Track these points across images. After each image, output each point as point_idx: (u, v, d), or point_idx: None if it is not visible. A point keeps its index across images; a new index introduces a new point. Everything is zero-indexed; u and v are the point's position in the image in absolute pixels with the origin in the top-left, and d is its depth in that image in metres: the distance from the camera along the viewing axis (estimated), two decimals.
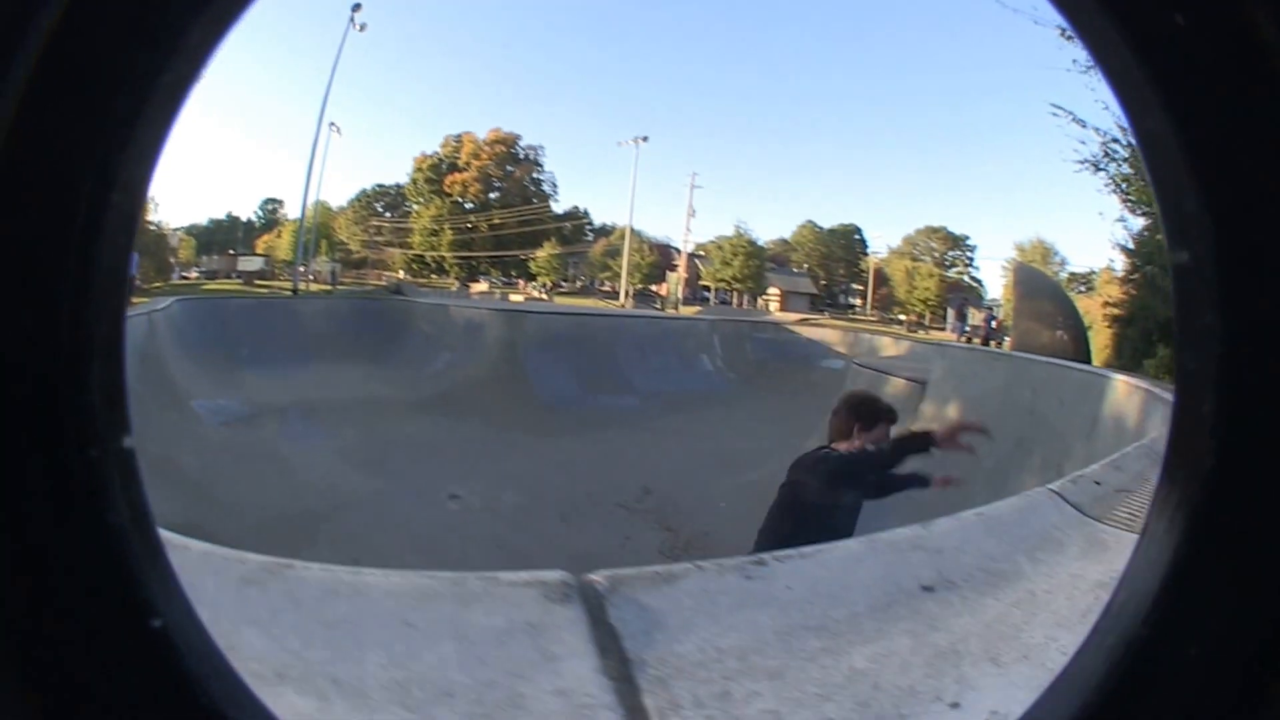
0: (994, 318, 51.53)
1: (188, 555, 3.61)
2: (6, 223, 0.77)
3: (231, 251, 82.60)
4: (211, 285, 61.66)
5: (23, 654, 0.81)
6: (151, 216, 57.16)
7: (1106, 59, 0.81)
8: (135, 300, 33.20)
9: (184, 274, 71.42)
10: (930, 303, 78.61)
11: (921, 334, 54.86)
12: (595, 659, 3.32)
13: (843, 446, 6.13)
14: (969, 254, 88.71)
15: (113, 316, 0.84)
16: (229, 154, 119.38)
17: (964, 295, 77.36)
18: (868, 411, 6.46)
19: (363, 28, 55.63)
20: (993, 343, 38.92)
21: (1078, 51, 23.41)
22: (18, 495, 0.79)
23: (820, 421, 19.17)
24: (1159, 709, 0.80)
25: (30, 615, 0.81)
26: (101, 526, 0.82)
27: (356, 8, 54.71)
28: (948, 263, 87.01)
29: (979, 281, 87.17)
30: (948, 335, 51.60)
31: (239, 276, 70.17)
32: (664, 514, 17.78)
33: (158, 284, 54.48)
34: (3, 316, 0.77)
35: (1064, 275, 67.99)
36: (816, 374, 33.35)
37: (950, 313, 66.71)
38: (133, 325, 23.30)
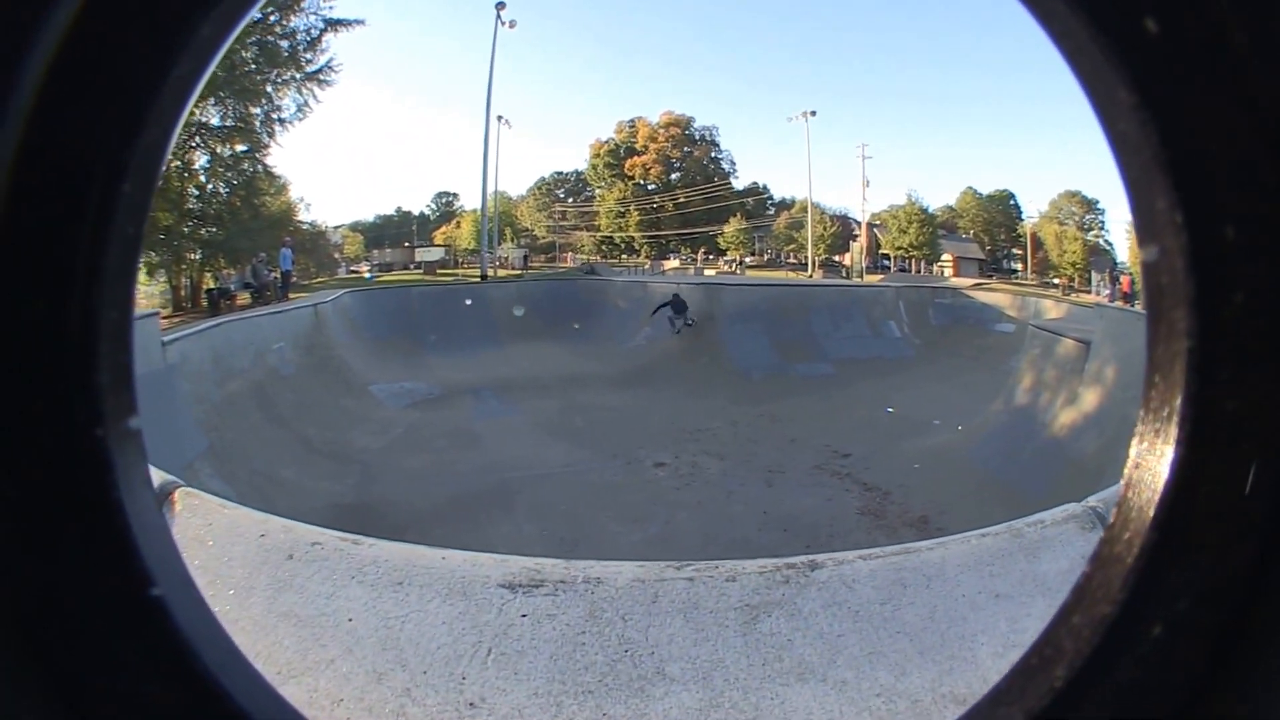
0: (1130, 280, 51.59)
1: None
2: (21, 209, 0.81)
3: (407, 244, 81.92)
4: (387, 277, 62.28)
5: (30, 620, 0.86)
6: (305, 215, 57.92)
7: (1079, 62, 0.83)
8: (293, 295, 36.53)
9: (352, 268, 70.96)
10: (1077, 266, 75.20)
11: (1075, 297, 52.58)
12: None
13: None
14: (1101, 217, 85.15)
15: (122, 302, 0.87)
16: (393, 156, 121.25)
17: (1110, 260, 75.08)
18: (676, 296, 33.08)
19: (512, 24, 56.20)
20: (1136, 304, 36.50)
21: None
22: (27, 470, 0.84)
23: (995, 384, 23.16)
24: (1126, 684, 0.83)
25: (38, 583, 0.85)
26: (105, 501, 0.86)
27: (500, 5, 55.28)
28: (1085, 226, 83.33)
29: (1110, 245, 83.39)
30: (1093, 298, 51.43)
31: (418, 267, 70.52)
32: (861, 476, 18.15)
33: (321, 279, 55.08)
34: (18, 300, 0.82)
35: None
36: (991, 338, 33.18)
37: (1094, 276, 67.12)
38: (296, 318, 25.97)
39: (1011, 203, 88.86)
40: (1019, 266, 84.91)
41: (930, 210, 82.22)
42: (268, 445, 17.55)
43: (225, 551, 4.70)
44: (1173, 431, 0.79)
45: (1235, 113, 0.75)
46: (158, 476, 5.52)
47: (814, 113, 73.63)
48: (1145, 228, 0.80)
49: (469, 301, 37.70)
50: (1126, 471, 0.85)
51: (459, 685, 3.50)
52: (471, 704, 3.39)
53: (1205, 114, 0.76)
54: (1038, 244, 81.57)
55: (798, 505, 16.18)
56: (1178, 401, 0.79)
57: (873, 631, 3.74)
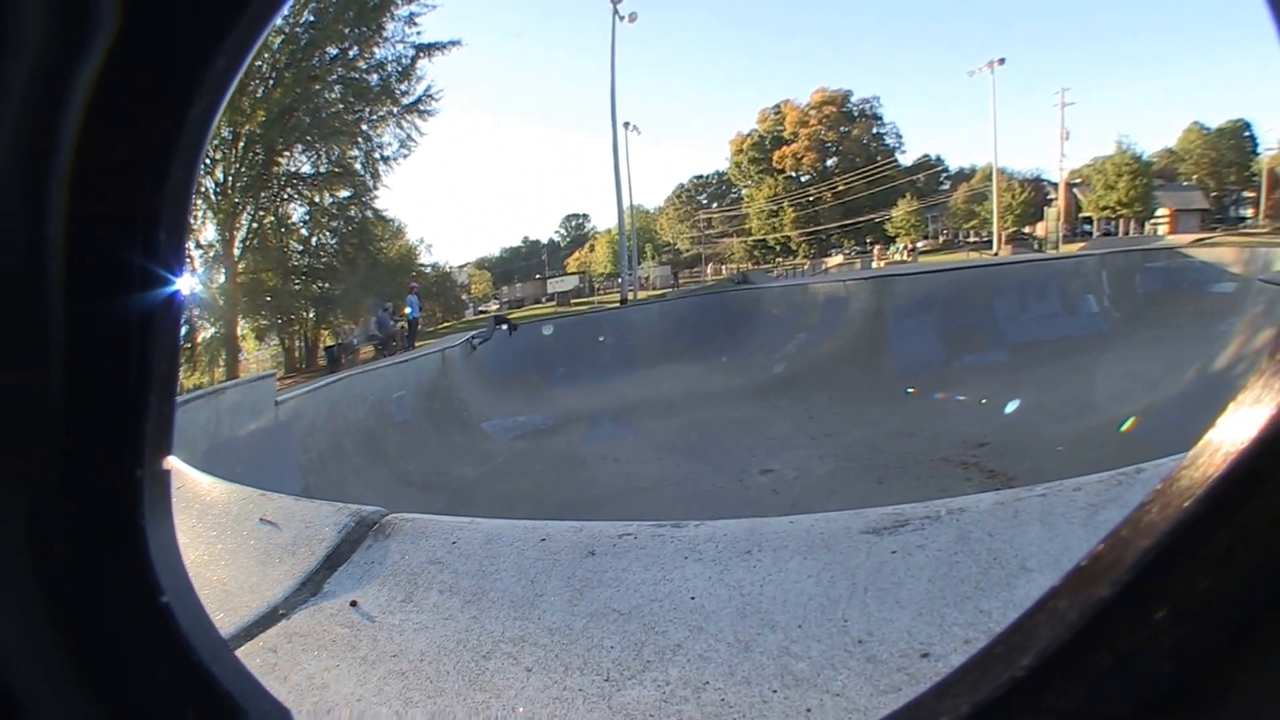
0: None
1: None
2: (81, 274, 0.94)
3: (539, 275, 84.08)
4: (517, 314, 62.89)
5: (65, 618, 1.08)
6: (426, 258, 61.29)
7: None
8: (420, 344, 37.58)
9: (481, 308, 74.09)
10: None
11: None
12: None
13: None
14: None
15: (170, 354, 1.04)
16: (514, 184, 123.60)
17: None
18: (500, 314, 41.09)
19: (632, 18, 56.79)
20: None
21: None
22: (73, 504, 1.05)
23: (1197, 353, 21.89)
24: (1103, 673, 0.78)
25: (72, 590, 1.08)
26: (132, 528, 1.09)
27: None
28: None
29: None
30: None
31: (550, 299, 72.11)
32: (989, 464, 18.20)
33: (448, 323, 58.34)
34: (87, 358, 0.97)
35: None
36: (1206, 300, 31.13)
37: None
38: (420, 365, 27.68)
39: (1246, 135, 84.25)
40: (1249, 212, 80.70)
41: (1145, 157, 78.55)
42: (363, 482, 18.77)
43: (485, 566, 5.00)
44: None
45: None
46: (354, 509, 6.14)
47: (1002, 61, 71.87)
48: None
49: (602, 339, 38.79)
50: (1204, 438, 0.79)
51: (842, 627, 3.83)
52: (860, 640, 3.72)
53: None
54: (1275, 181, 77.12)
55: (903, 499, 15.21)
56: None
57: None
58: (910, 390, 25.99)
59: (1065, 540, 4.17)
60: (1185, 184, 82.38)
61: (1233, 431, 0.75)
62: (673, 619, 4.08)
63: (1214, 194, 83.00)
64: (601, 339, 37.73)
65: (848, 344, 32.42)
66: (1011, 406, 21.92)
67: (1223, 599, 0.74)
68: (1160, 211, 77.78)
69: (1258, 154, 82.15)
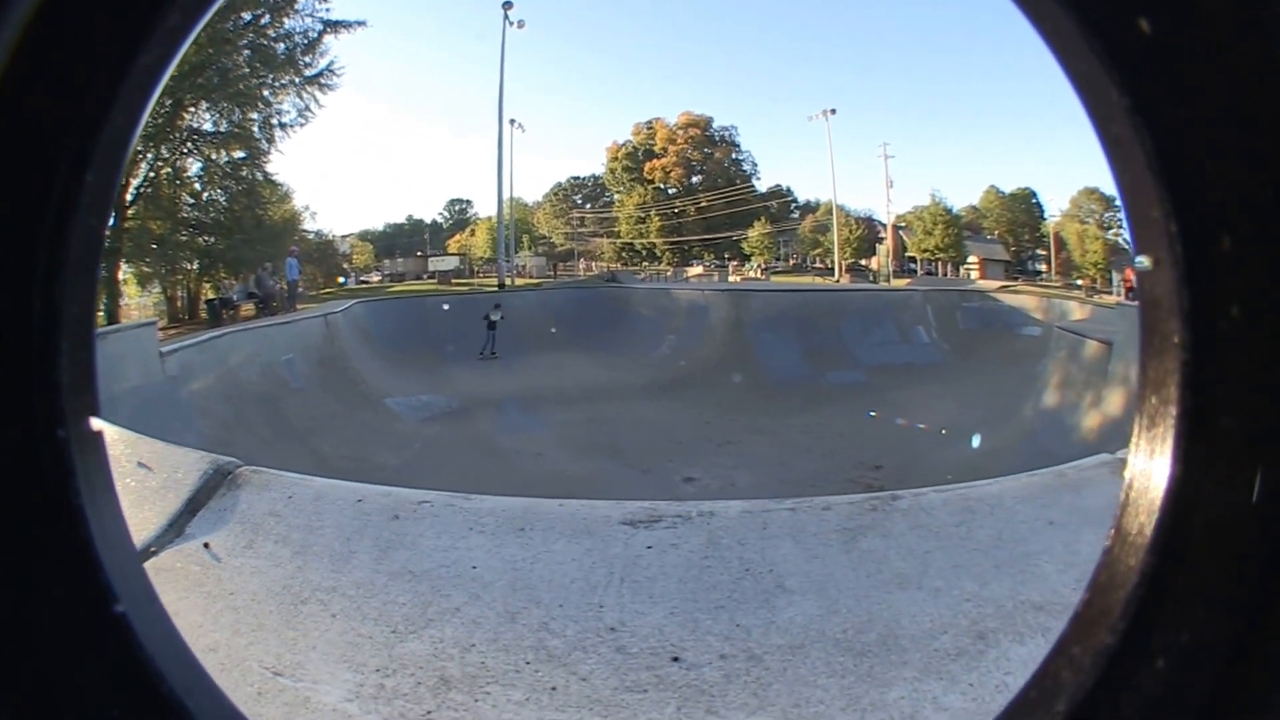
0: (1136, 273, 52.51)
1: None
2: None
3: (420, 253, 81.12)
4: (399, 287, 62.52)
5: None
6: (310, 224, 58.09)
7: (1071, 62, 0.83)
8: (301, 306, 37.11)
9: (362, 278, 71.24)
10: (1099, 266, 74.63)
11: (1097, 298, 52.49)
12: None
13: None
14: (1120, 215, 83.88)
15: (84, 299, 0.89)
16: (403, 163, 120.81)
17: (1129, 260, 74.83)
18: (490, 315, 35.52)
19: (520, 24, 56.25)
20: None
21: None
22: None
23: (1023, 389, 23.74)
24: (1129, 717, 0.82)
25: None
26: (67, 507, 0.85)
27: (508, 5, 55.37)
28: (1106, 225, 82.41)
29: (1129, 244, 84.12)
30: (1114, 298, 49.94)
31: (431, 276, 70.25)
32: (894, 488, 17.09)
33: (329, 289, 55.48)
34: None
35: None
36: (1020, 342, 32.85)
37: (1115, 276, 64.39)
38: (305, 329, 26.79)
39: (1034, 201, 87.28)
40: (1043, 267, 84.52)
41: (954, 210, 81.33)
42: (282, 463, 16.14)
43: (313, 521, 5.12)
44: (1168, 450, 0.79)
45: (1232, 117, 0.74)
46: (213, 459, 6.11)
47: (834, 111, 71.04)
48: (1139, 237, 0.81)
49: (550, 329, 37.84)
50: (1122, 492, 0.84)
51: (597, 613, 3.95)
52: (612, 628, 3.83)
53: (1201, 118, 0.75)
54: (1061, 244, 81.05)
55: None
56: (1172, 419, 0.78)
57: (954, 549, 4.45)
58: (874, 415, 25.42)
59: (826, 565, 4.24)
60: (989, 238, 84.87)
61: (1146, 483, 0.81)
62: (455, 584, 4.26)
63: (1013, 249, 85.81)
64: (549, 329, 37.33)
65: (716, 351, 32.56)
66: (976, 441, 21.30)
67: (1202, 652, 0.79)
68: (971, 259, 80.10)
69: (1045, 219, 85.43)
